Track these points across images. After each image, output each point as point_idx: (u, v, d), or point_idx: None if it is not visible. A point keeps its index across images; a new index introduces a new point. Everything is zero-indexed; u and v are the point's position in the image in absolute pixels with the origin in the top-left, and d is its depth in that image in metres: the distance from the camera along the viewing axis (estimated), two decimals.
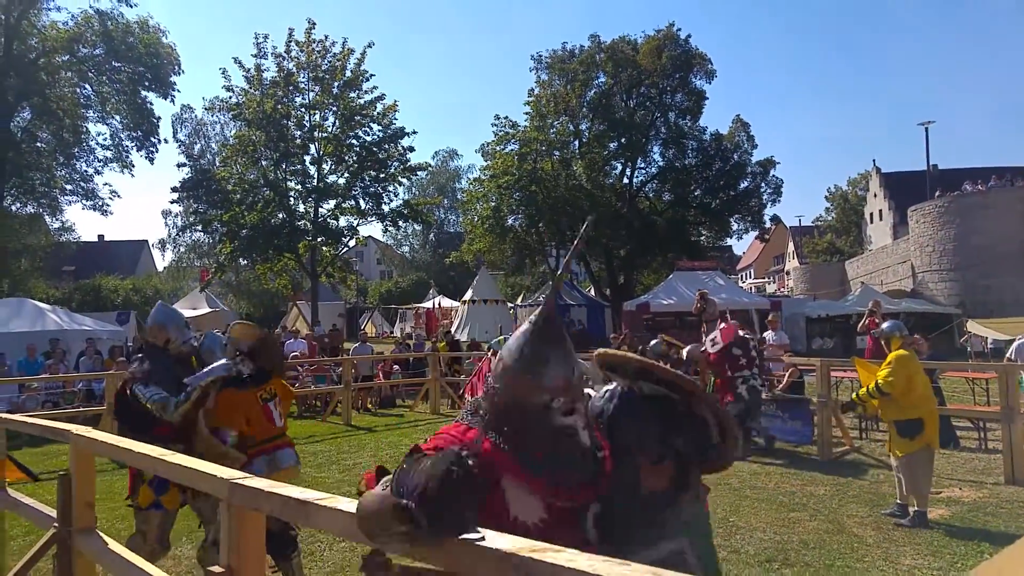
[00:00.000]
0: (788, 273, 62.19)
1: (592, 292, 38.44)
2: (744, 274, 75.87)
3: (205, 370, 4.46)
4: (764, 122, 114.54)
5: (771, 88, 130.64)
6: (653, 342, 10.55)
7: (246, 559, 2.24)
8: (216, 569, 2.29)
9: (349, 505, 1.80)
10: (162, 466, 2.88)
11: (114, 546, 3.40)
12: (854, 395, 6.86)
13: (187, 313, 29.08)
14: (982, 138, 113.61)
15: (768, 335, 12.63)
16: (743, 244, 70.32)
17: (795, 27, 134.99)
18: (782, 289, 59.05)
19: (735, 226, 37.36)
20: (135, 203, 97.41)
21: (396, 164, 28.36)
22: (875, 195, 51.93)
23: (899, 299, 28.93)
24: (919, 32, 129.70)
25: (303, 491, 2.00)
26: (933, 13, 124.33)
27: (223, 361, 4.52)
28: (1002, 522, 6.08)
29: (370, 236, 45.49)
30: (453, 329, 28.72)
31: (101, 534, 3.58)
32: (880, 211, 50.52)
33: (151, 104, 29.29)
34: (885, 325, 6.97)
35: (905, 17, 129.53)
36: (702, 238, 37.53)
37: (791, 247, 65.74)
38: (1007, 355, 10.46)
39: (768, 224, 39.05)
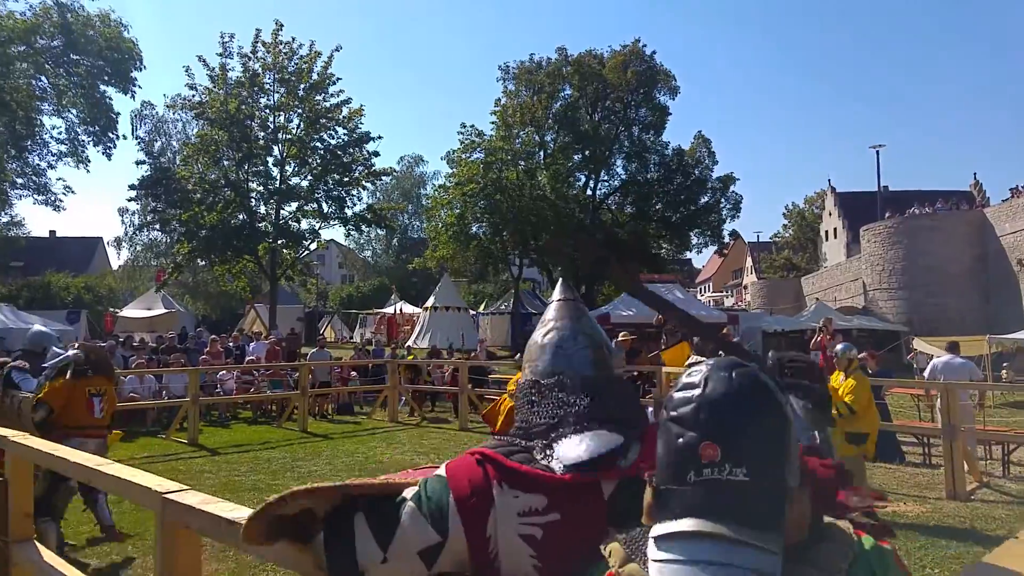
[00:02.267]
0: (746, 287, 63.16)
1: None
2: (703, 287, 76.91)
3: (54, 360, 5.87)
4: (725, 139, 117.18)
5: (733, 106, 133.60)
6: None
7: (179, 572, 2.18)
8: None
9: None
10: (97, 476, 2.83)
11: (50, 558, 3.33)
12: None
13: (142, 314, 28.58)
14: (929, 161, 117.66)
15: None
16: (702, 258, 71.41)
17: (757, 49, 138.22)
18: (740, 303, 59.93)
19: (695, 240, 37.97)
20: (91, 199, 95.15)
21: (360, 168, 28.17)
22: (830, 213, 53.16)
23: (851, 315, 29.72)
24: (872, 56, 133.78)
25: (235, 508, 1.93)
26: (886, 38, 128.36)
27: (69, 353, 6.03)
28: (943, 537, 6.23)
29: (332, 240, 45.12)
30: (413, 336, 28.64)
31: (39, 545, 3.50)
32: (835, 229, 51.68)
33: (110, 99, 28.70)
34: (839, 346, 7.40)
35: (861, 41, 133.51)
36: (663, 251, 37.99)
37: (749, 262, 66.79)
38: (925, 373, 10.74)
39: (727, 239, 39.72)
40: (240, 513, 1.87)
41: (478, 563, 1.29)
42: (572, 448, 1.31)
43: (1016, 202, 28.64)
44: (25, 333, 14.92)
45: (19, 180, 29.15)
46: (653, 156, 36.43)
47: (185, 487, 2.23)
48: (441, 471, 1.36)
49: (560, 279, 1.79)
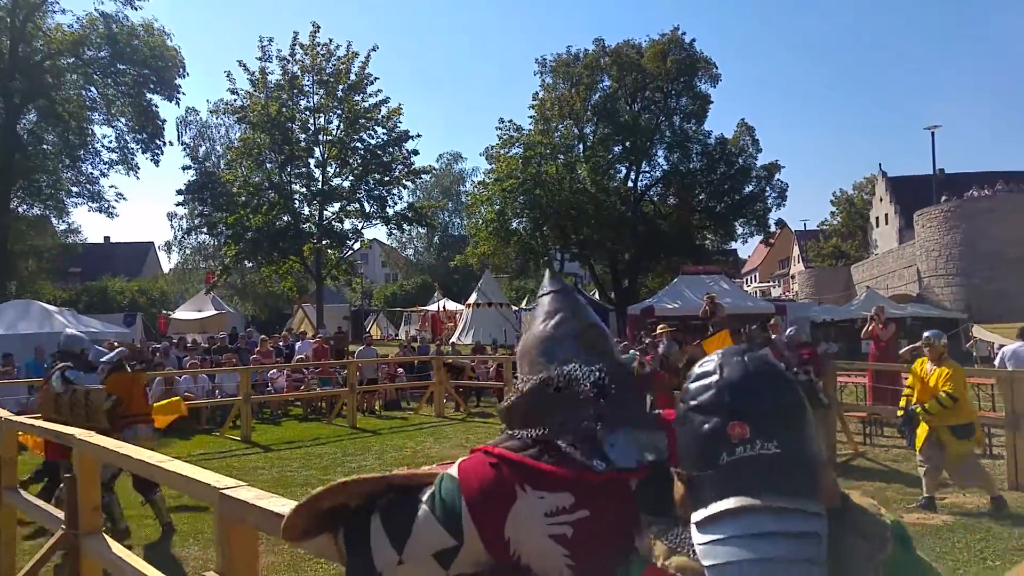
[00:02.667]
0: (793, 277, 62.04)
1: (596, 295, 38.42)
2: (749, 278, 75.73)
3: (107, 357, 6.67)
4: (769, 126, 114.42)
5: (777, 92, 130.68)
6: (663, 346, 10.41)
7: (238, 566, 2.26)
8: (210, 575, 2.33)
9: None
10: (159, 472, 2.92)
11: (118, 550, 3.44)
12: (919, 408, 6.76)
13: (194, 315, 29.30)
14: (988, 142, 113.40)
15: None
16: (748, 248, 70.37)
17: (802, 30, 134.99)
18: (787, 293, 58.87)
19: (740, 230, 37.27)
20: (141, 205, 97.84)
21: (400, 167, 28.38)
22: (881, 199, 51.75)
23: (904, 303, 28.91)
24: (924, 35, 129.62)
25: (287, 504, 1.97)
26: (938, 18, 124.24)
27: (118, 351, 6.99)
28: (1005, 528, 6.07)
29: (375, 239, 45.60)
30: (457, 332, 28.81)
31: (107, 537, 3.62)
32: (886, 215, 50.33)
33: (156, 107, 29.38)
34: (928, 333, 7.24)
35: (911, 20, 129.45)
36: (707, 242, 37.47)
37: (796, 251, 65.59)
38: (995, 362, 10.38)
39: (773, 228, 38.96)
40: (290, 508, 1.94)
41: (501, 564, 1.28)
42: (625, 450, 1.28)
43: None
44: (87, 336, 15.57)
45: (74, 188, 30.16)
46: (695, 145, 35.85)
47: (241, 483, 2.31)
48: (453, 471, 1.33)
49: (547, 271, 1.73)
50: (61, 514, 3.84)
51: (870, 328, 12.10)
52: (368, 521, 1.33)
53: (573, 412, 1.33)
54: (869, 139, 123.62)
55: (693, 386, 1.08)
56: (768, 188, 35.80)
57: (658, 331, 11.44)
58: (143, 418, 6.70)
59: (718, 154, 35.42)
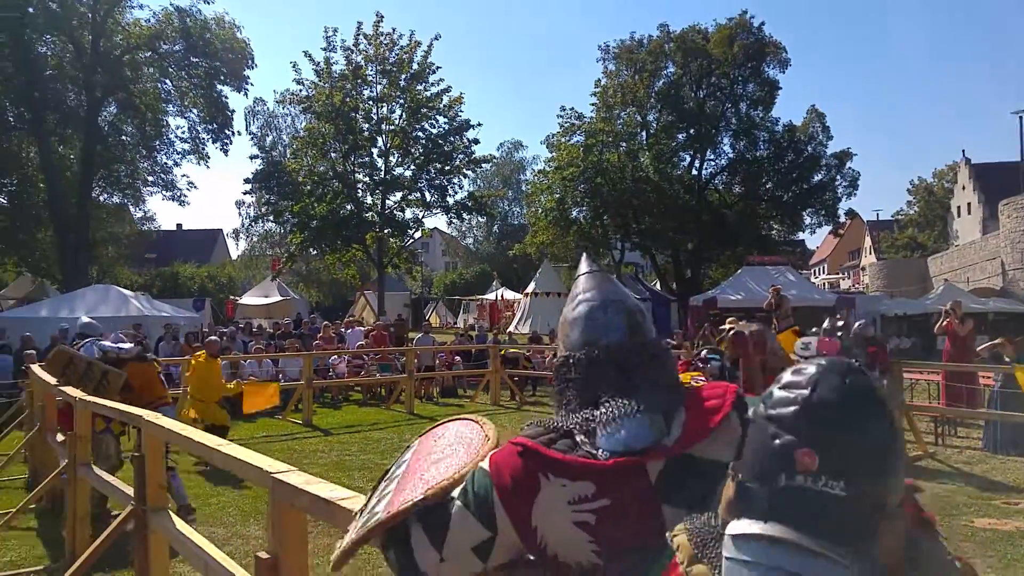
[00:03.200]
0: (864, 269, 60.07)
1: (657, 286, 37.92)
2: (816, 269, 73.59)
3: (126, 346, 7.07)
4: (841, 112, 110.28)
5: (850, 76, 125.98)
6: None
7: (288, 547, 2.33)
8: (263, 555, 2.39)
9: None
10: (217, 455, 3.02)
11: (181, 526, 3.59)
12: None
13: (260, 301, 30.20)
14: None
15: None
16: (816, 238, 68.37)
17: (876, 10, 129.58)
18: (857, 285, 57.04)
19: (808, 220, 36.17)
20: (210, 193, 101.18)
21: (461, 156, 28.52)
22: (963, 187, 49.50)
23: (987, 298, 27.53)
24: (1011, 11, 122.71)
25: (333, 489, 2.06)
26: None
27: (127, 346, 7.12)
28: None
29: (435, 228, 46.04)
30: (515, 322, 28.87)
31: (172, 514, 3.77)
32: (968, 204, 48.16)
33: (226, 98, 30.18)
34: None
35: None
36: (773, 232, 36.52)
37: (868, 242, 63.44)
38: None
39: (843, 218, 37.66)
40: (337, 493, 2.00)
41: (531, 549, 1.32)
42: (609, 439, 1.30)
43: None
44: (160, 320, 16.23)
45: (150, 178, 31.34)
46: (762, 133, 34.87)
47: (291, 468, 2.36)
48: (485, 464, 1.37)
49: (584, 254, 1.74)
50: (131, 490, 4.01)
51: (944, 324, 11.58)
52: (403, 532, 1.37)
53: (582, 394, 1.38)
54: (951, 125, 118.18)
55: (779, 393, 1.00)
56: (838, 177, 34.62)
57: (727, 325, 11.25)
58: (164, 400, 7.12)
59: (786, 142, 34.42)
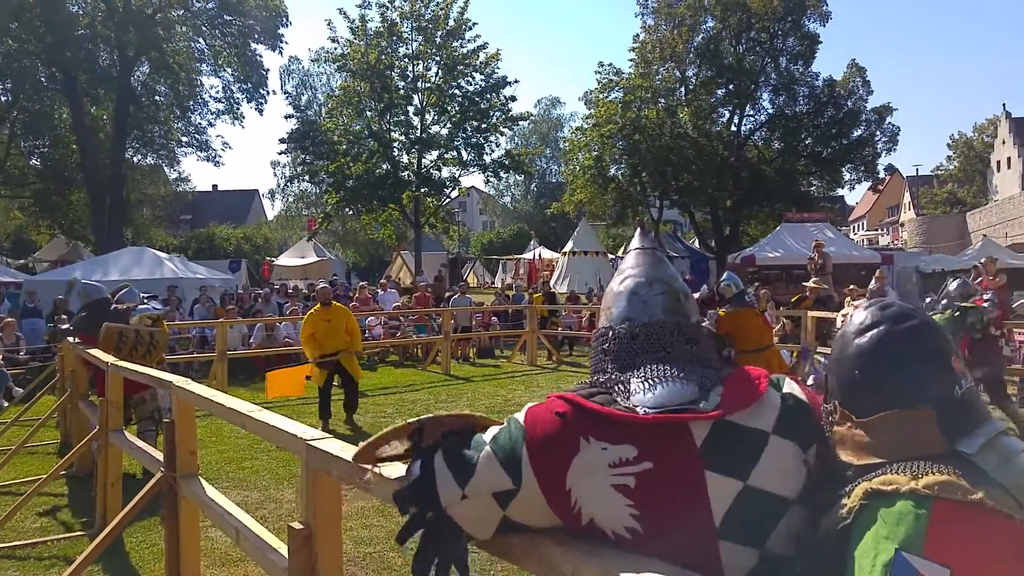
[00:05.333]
0: (903, 225, 58.84)
1: (696, 243, 37.44)
2: (855, 226, 72.08)
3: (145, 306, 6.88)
4: (882, 66, 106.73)
5: (891, 29, 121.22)
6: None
7: (322, 516, 2.28)
8: (296, 525, 2.34)
9: (402, 474, 1.75)
10: (249, 421, 2.96)
11: (212, 492, 3.56)
12: None
13: (296, 262, 30.41)
14: None
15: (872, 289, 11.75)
16: (855, 195, 66.95)
17: None
18: (896, 242, 55.86)
19: (847, 176, 35.55)
20: (246, 154, 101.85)
21: (498, 114, 28.13)
22: (1003, 142, 48.44)
23: None
24: None
25: None
26: None
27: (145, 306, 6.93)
28: None
29: (472, 187, 45.76)
30: (553, 281, 28.70)
31: (202, 480, 3.75)
32: (1008, 159, 47.13)
33: (260, 56, 29.95)
34: None
35: None
36: (812, 188, 35.85)
37: (907, 198, 62.14)
38: None
39: (882, 174, 36.74)
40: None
41: (559, 514, 1.31)
42: (646, 395, 1.32)
43: None
44: (195, 282, 16.33)
45: (184, 138, 31.42)
46: (802, 88, 34.10)
47: (326, 435, 2.31)
48: (520, 416, 1.37)
49: (639, 228, 1.78)
50: (161, 456, 3.99)
51: (979, 281, 11.13)
52: (428, 460, 1.41)
53: (617, 360, 1.42)
54: (992, 78, 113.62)
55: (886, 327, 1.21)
56: (878, 132, 33.89)
57: (811, 284, 11.20)
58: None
59: (826, 97, 33.67)
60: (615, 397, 1.34)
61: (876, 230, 68.37)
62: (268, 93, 30.71)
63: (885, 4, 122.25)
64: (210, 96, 30.58)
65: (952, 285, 7.65)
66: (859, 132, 33.78)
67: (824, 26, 34.07)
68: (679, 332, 1.44)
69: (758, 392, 1.30)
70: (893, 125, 33.87)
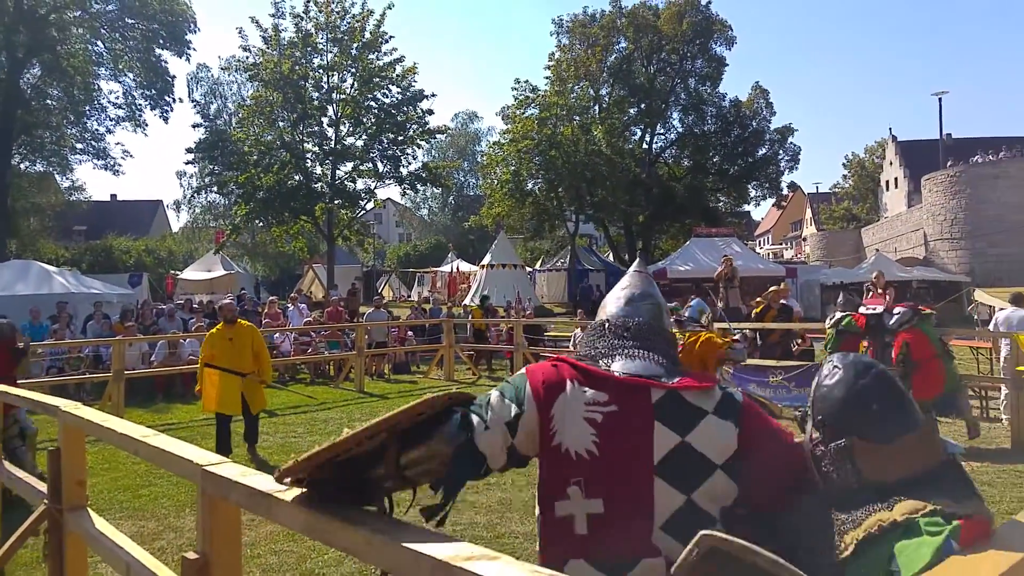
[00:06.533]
0: (805, 239, 61.97)
1: (611, 257, 38.21)
2: (761, 240, 75.33)
3: None
4: (783, 89, 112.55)
5: (791, 55, 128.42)
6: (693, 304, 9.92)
7: (220, 545, 2.14)
8: (190, 555, 2.20)
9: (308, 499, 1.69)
10: (143, 447, 2.78)
11: (102, 524, 3.32)
12: None
13: (202, 276, 29.22)
14: (994, 108, 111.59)
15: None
16: (761, 210, 70.02)
17: None
18: (799, 255, 58.76)
19: (753, 192, 37.37)
20: (150, 163, 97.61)
21: (415, 127, 27.94)
22: (891, 163, 51.92)
23: (912, 267, 28.81)
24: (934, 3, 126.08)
25: (270, 480, 1.87)
26: None
27: None
28: (997, 491, 6.15)
29: (388, 199, 45.25)
30: (470, 294, 28.62)
31: (91, 512, 3.49)
32: (895, 179, 50.53)
33: (166, 62, 28.71)
34: None
35: None
36: (720, 204, 37.33)
37: (809, 213, 65.50)
38: (990, 326, 10.30)
39: (785, 191, 38.71)
40: (276, 485, 1.84)
41: (541, 437, 1.68)
42: (624, 364, 1.75)
43: None
44: (88, 297, 15.31)
45: (79, 145, 29.69)
46: (710, 108, 35.58)
47: (225, 459, 2.19)
48: (522, 370, 1.82)
49: (639, 254, 2.49)
50: (44, 487, 3.70)
51: (871, 295, 11.79)
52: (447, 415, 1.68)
53: (608, 342, 1.84)
54: (881, 103, 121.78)
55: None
56: (781, 151, 35.77)
57: (771, 290, 11.35)
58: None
59: (732, 117, 35.23)
60: (599, 364, 1.76)
61: (780, 244, 71.62)
62: (174, 100, 29.55)
63: (786, 32, 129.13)
64: (109, 102, 29.12)
65: (839, 300, 8.26)
66: (763, 151, 35.42)
67: (730, 50, 35.80)
68: (660, 332, 1.89)
69: (707, 385, 1.71)
70: (794, 145, 35.79)
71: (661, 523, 1.55)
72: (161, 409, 11.03)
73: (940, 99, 36.94)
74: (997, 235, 28.91)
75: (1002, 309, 10.98)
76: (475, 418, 1.67)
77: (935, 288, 24.40)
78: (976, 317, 20.97)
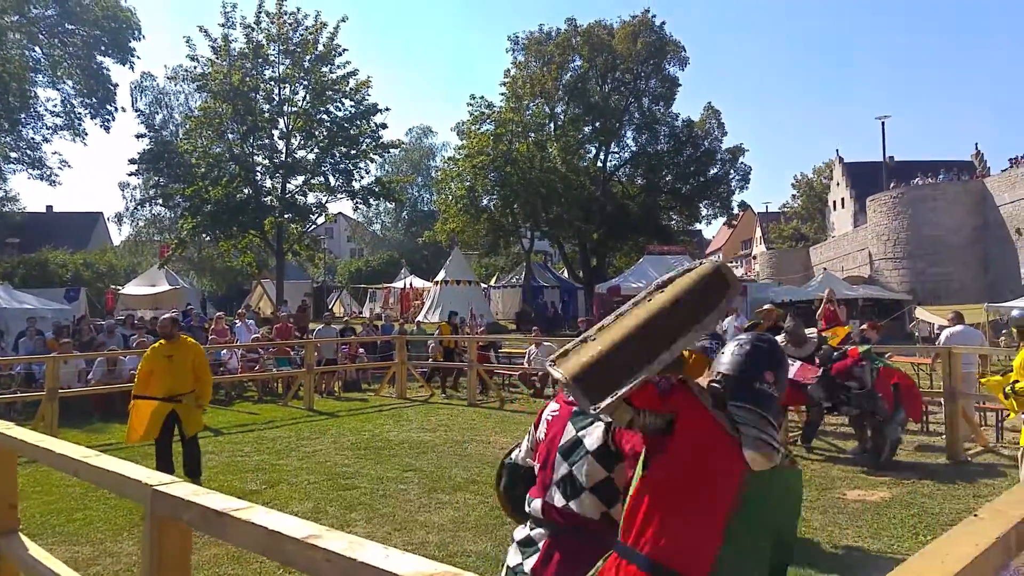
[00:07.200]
0: (755, 258, 63.24)
1: (565, 274, 38.42)
2: (713, 258, 76.44)
3: None
4: (734, 110, 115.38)
5: (743, 76, 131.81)
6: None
7: (168, 568, 2.05)
8: None
9: (267, 518, 1.61)
10: (84, 468, 2.63)
11: (35, 550, 3.14)
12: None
13: (146, 291, 28.35)
14: (934, 132, 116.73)
15: (728, 321, 12.45)
16: (712, 229, 71.33)
17: (765, 20, 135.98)
18: (749, 273, 59.92)
19: (704, 211, 37.89)
20: (91, 174, 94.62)
21: (368, 141, 27.72)
22: (838, 183, 53.49)
23: (857, 285, 29.67)
24: (880, 26, 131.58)
25: (225, 499, 1.82)
26: (896, 9, 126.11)
27: None
28: (936, 503, 6.32)
29: (340, 213, 44.72)
30: (424, 310, 28.39)
31: (23, 536, 3.29)
32: (842, 199, 51.99)
33: (108, 70, 27.86)
34: (1015, 312, 6.42)
35: (870, 11, 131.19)
36: (673, 223, 37.81)
37: (758, 232, 66.90)
38: (938, 342, 10.70)
39: (736, 210, 39.47)
40: (230, 504, 1.78)
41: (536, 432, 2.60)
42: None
43: (1015, 172, 28.48)
44: (21, 312, 14.62)
45: (13, 154, 28.56)
46: (663, 128, 36.12)
47: (176, 479, 2.12)
48: None
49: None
50: None
51: (823, 310, 12.06)
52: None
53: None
54: (829, 125, 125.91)
55: (751, 343, 2.12)
56: (732, 171, 36.38)
57: (764, 308, 11.34)
58: None
59: (685, 136, 35.79)
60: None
61: (731, 262, 72.95)
62: (116, 109, 28.70)
63: (738, 54, 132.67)
64: (47, 109, 28.06)
65: (787, 324, 8.46)
66: (715, 170, 36.03)
67: (683, 70, 36.41)
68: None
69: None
70: (745, 164, 36.43)
71: (556, 480, 2.31)
72: (98, 429, 10.57)
73: (883, 123, 38.22)
74: (936, 255, 29.97)
75: (943, 327, 11.32)
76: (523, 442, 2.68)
77: (879, 306, 25.17)
78: (916, 334, 21.68)
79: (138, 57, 28.71)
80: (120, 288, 29.57)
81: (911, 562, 1.31)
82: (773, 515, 2.14)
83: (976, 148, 46.99)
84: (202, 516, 1.83)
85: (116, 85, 28.35)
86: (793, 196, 65.00)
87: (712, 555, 1.90)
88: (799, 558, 4.95)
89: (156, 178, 27.79)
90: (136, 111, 39.80)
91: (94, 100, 27.42)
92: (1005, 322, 17.22)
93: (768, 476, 2.01)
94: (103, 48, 26.93)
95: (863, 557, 5.04)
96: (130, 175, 33.09)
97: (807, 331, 8.64)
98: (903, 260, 31.31)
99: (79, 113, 27.75)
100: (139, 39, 28.23)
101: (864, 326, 11.07)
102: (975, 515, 1.58)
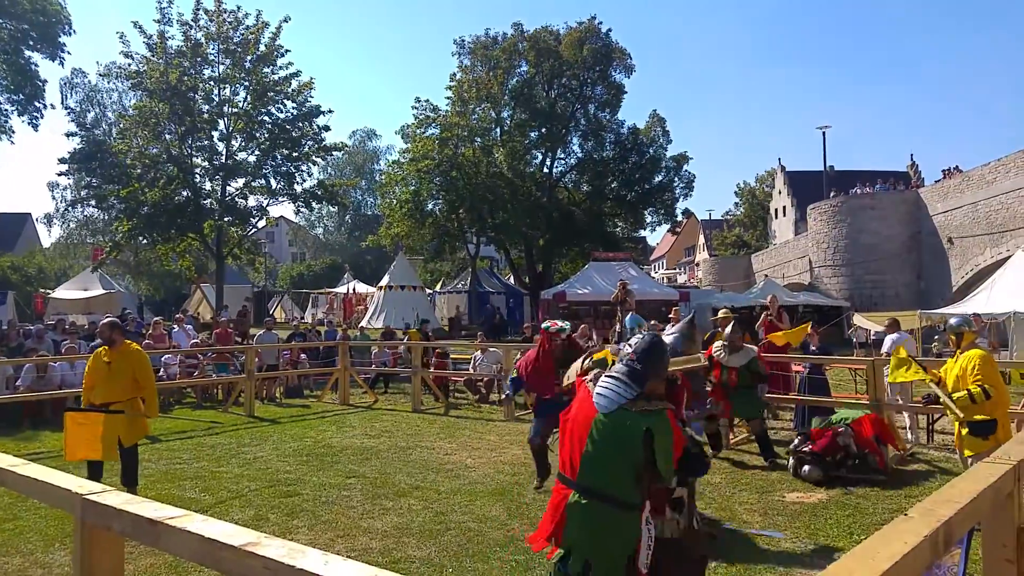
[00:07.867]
0: (698, 265, 64.34)
1: (511, 280, 38.49)
2: (656, 265, 77.90)
3: None
4: (679, 118, 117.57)
5: (687, 85, 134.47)
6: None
7: None
8: None
9: (203, 526, 1.61)
10: (11, 477, 2.55)
11: None
12: (948, 401, 5.92)
13: (78, 295, 27.40)
14: (872, 142, 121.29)
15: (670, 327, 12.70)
16: (656, 236, 72.48)
17: (711, 29, 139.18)
18: (692, 280, 60.98)
19: (649, 218, 38.38)
20: (18, 173, 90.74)
21: (310, 143, 27.26)
22: (780, 192, 54.63)
23: (798, 292, 30.47)
24: (823, 37, 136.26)
25: (159, 508, 1.81)
26: (837, 20, 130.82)
27: None
28: (871, 503, 6.56)
29: (281, 216, 43.98)
30: (367, 316, 28.07)
31: None
32: (784, 207, 53.12)
33: (36, 66, 26.56)
34: (953, 320, 6.33)
35: (814, 21, 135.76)
36: (618, 229, 38.23)
37: (702, 239, 68.03)
38: (883, 349, 11.06)
39: (680, 217, 40.10)
40: (164, 512, 1.76)
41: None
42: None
43: (948, 183, 29.56)
44: None
45: None
46: (608, 134, 36.46)
47: (107, 488, 2.06)
48: None
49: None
50: None
51: (763, 317, 12.40)
52: None
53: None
54: (772, 134, 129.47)
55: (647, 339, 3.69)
56: (676, 178, 36.92)
57: (720, 315, 11.43)
58: None
59: (630, 144, 36.15)
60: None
61: (675, 269, 74.38)
62: (45, 107, 27.39)
63: (683, 62, 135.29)
64: None
65: (727, 330, 8.73)
66: (660, 178, 36.52)
67: (629, 77, 36.77)
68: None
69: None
70: (689, 172, 37.10)
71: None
72: (28, 437, 10.17)
73: (824, 132, 39.31)
74: (873, 263, 30.99)
75: (879, 333, 11.59)
76: None
77: (819, 312, 25.77)
78: (854, 340, 22.39)
79: (68, 53, 27.33)
80: (50, 292, 28.48)
81: (844, 560, 1.39)
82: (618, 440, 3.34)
83: (911, 159, 48.78)
84: (135, 525, 1.80)
85: (45, 81, 27.07)
86: (736, 204, 66.33)
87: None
88: (738, 555, 5.10)
89: (88, 179, 26.71)
90: (66, 108, 38.35)
91: (21, 96, 26.14)
92: (940, 329, 18.09)
93: (615, 416, 3.35)
94: (31, 43, 25.71)
95: (800, 556, 5.19)
96: (60, 175, 31.75)
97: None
98: (842, 267, 32.31)
99: (5, 110, 26.34)
100: (69, 34, 27.02)
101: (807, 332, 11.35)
102: (906, 515, 1.68)
